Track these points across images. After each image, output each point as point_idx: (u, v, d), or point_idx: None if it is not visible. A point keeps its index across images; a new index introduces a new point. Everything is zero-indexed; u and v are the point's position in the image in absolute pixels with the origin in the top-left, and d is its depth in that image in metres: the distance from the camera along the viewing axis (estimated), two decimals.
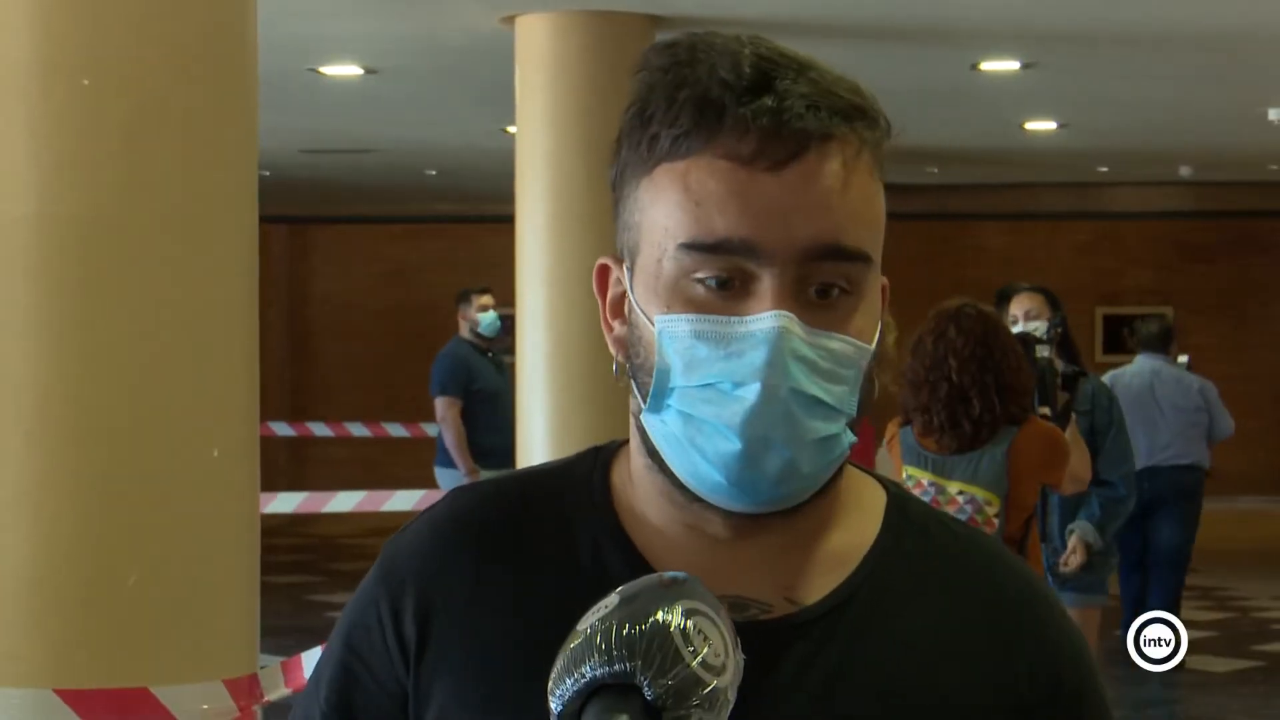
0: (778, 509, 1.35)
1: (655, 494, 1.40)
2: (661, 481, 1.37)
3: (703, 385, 1.31)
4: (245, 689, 3.59)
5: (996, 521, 4.99)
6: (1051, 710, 1.41)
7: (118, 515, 3.46)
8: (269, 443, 10.87)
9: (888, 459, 5.40)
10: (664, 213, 1.33)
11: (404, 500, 8.99)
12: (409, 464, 14.53)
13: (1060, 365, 6.10)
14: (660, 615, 1.20)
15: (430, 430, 13.06)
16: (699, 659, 1.19)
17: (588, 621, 1.22)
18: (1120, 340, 17.59)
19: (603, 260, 1.42)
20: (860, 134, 1.34)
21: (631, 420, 1.40)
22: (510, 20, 7.83)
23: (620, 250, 1.39)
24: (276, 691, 3.82)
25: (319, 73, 9.57)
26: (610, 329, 1.41)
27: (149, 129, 3.50)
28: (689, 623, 1.20)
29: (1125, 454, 6.41)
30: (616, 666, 1.19)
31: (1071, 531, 6.20)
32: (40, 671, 3.40)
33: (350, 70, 9.55)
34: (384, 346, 17.94)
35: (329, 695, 1.46)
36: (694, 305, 1.32)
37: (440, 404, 9.65)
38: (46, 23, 3.45)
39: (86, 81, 3.44)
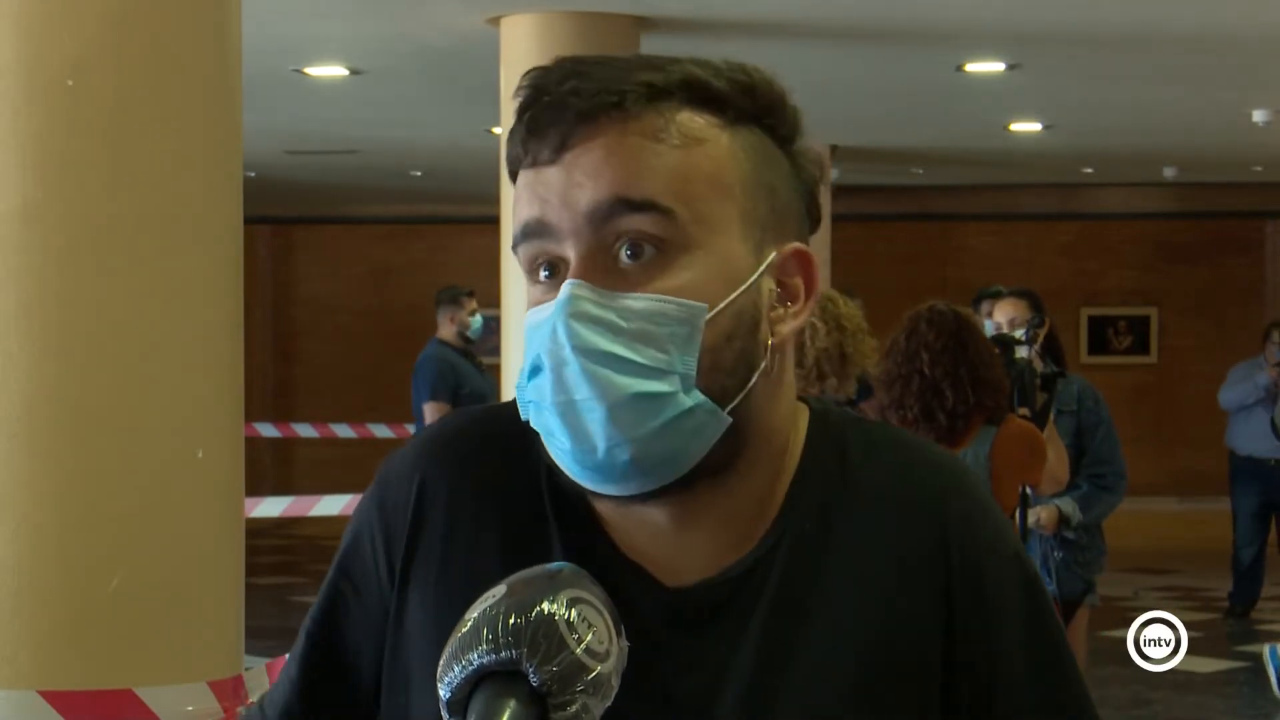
0: (657, 487, 1.37)
1: None
2: None
3: (530, 370, 1.37)
4: (230, 690, 3.59)
5: None
6: (974, 601, 1.44)
7: (102, 516, 3.45)
8: (254, 444, 10.88)
9: None
10: None
11: None
12: None
13: (1040, 366, 6.12)
14: (545, 605, 1.24)
15: (415, 431, 13.05)
16: (583, 646, 1.23)
17: (475, 610, 1.25)
18: (1105, 341, 17.63)
19: None
20: (633, 106, 1.37)
21: None
22: (496, 21, 7.83)
23: None
24: (261, 693, 3.81)
25: (304, 73, 9.56)
26: None
27: (133, 130, 3.49)
28: (573, 611, 1.24)
29: (1114, 452, 6.44)
30: (503, 654, 1.22)
31: (1048, 503, 6.23)
32: (25, 673, 3.39)
33: (335, 71, 9.54)
34: (369, 347, 17.92)
35: (317, 614, 1.53)
36: (534, 301, 1.39)
37: (430, 410, 9.46)
38: (30, 23, 3.44)
39: (70, 82, 3.43)
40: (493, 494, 1.46)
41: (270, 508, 10.14)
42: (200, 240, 3.59)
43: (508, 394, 7.77)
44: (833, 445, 1.47)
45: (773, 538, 1.42)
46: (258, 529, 12.91)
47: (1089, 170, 15.49)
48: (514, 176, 1.41)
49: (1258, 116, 10.73)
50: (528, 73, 1.40)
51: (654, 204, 1.35)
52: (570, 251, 1.36)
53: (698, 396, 1.34)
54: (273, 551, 14.18)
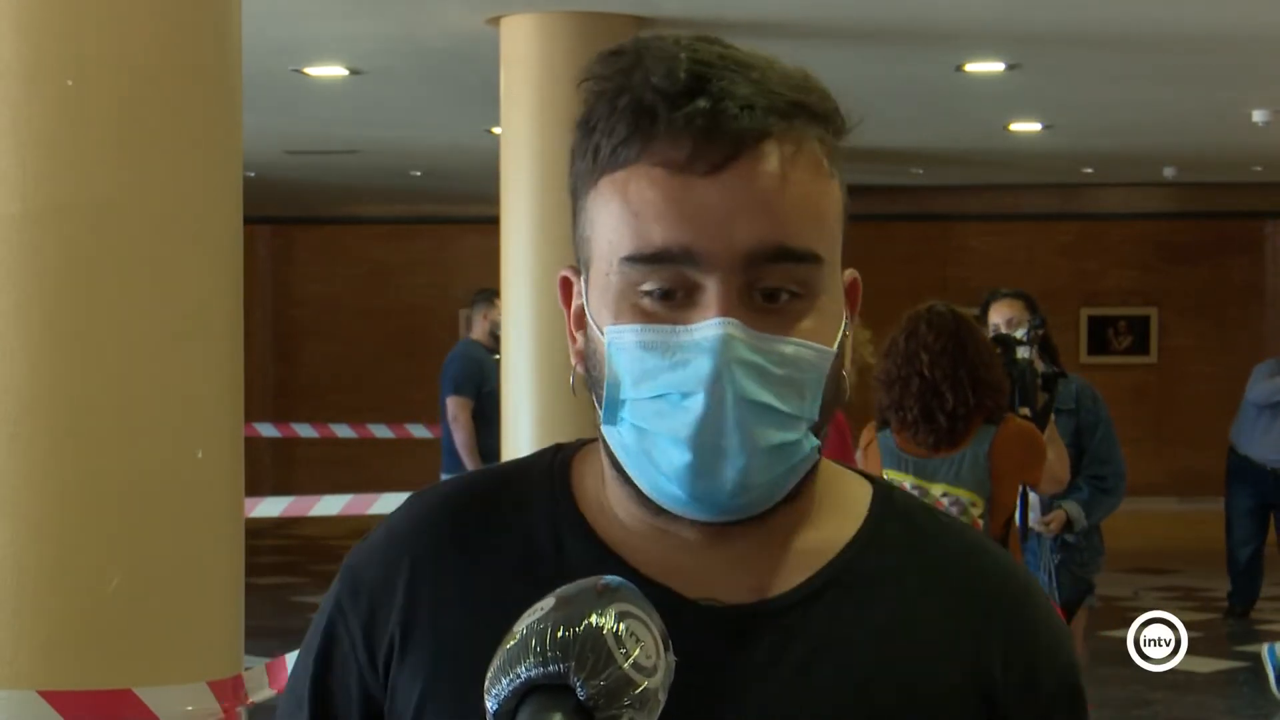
0: (742, 517, 1.36)
1: (624, 498, 1.40)
2: (629, 489, 1.38)
3: (653, 397, 1.31)
4: (229, 690, 3.59)
5: (981, 523, 5.02)
6: (1022, 701, 1.41)
7: (102, 516, 3.45)
8: (254, 444, 10.87)
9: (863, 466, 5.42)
10: (608, 225, 1.33)
11: (390, 503, 8.96)
12: (394, 465, 14.52)
13: (1041, 366, 6.14)
14: (594, 618, 1.22)
15: (415, 431, 13.07)
16: (630, 660, 1.22)
17: (523, 623, 1.24)
18: (1105, 341, 17.63)
19: (564, 272, 1.41)
20: (800, 131, 1.31)
21: (600, 429, 1.41)
22: (495, 21, 7.83)
23: (578, 262, 1.39)
24: (261, 693, 3.82)
25: (304, 74, 9.56)
26: (574, 340, 1.40)
27: (133, 130, 3.49)
28: (621, 625, 1.22)
29: (1113, 452, 6.46)
30: (550, 667, 1.21)
31: (1058, 506, 6.27)
32: (24, 673, 3.39)
33: (335, 71, 9.54)
34: (369, 347, 17.92)
35: (313, 713, 1.46)
36: (641, 315, 1.31)
37: (453, 403, 9.62)
38: (30, 24, 3.44)
39: (70, 82, 3.43)
40: (484, 557, 1.42)
41: (270, 508, 10.14)
42: (200, 240, 3.59)
43: (508, 394, 7.78)
44: (899, 518, 1.45)
45: (817, 585, 1.40)
46: (258, 529, 12.92)
47: (1089, 170, 15.49)
48: (610, 166, 1.31)
49: (1258, 116, 10.73)
50: (619, 55, 1.32)
51: (812, 255, 1.31)
52: (711, 283, 1.29)
53: (814, 440, 1.35)
54: (273, 551, 14.18)
